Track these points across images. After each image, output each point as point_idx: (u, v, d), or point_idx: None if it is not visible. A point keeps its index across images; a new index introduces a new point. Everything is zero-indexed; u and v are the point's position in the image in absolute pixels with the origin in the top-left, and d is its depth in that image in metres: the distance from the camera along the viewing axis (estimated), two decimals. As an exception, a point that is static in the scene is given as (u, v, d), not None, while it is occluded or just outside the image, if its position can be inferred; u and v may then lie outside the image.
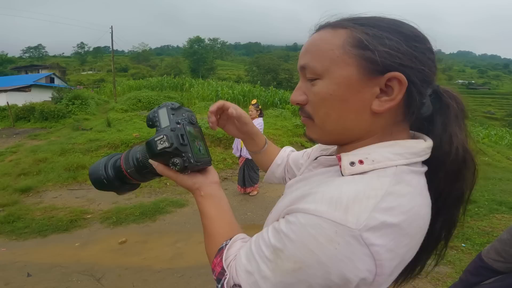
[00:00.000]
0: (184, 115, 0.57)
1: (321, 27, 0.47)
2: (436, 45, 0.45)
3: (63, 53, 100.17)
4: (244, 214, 3.96)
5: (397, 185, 0.40)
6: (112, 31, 20.52)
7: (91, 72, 55.37)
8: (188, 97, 16.79)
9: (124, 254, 2.99)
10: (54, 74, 27.19)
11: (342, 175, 0.43)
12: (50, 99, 14.34)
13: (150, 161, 0.54)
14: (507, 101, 55.28)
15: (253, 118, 4.37)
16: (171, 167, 0.52)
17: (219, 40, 73.98)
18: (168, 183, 5.02)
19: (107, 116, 10.54)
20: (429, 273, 0.54)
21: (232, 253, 0.50)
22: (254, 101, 4.60)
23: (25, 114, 11.56)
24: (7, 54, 57.98)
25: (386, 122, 0.45)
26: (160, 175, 0.56)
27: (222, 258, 0.50)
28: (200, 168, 0.55)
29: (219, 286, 0.47)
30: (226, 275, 0.47)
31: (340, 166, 0.44)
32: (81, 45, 74.82)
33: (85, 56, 71.98)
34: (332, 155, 0.53)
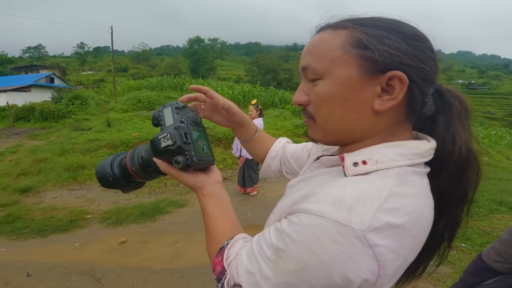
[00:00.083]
0: (188, 114, 0.57)
1: (322, 28, 0.48)
2: (436, 44, 0.45)
3: (63, 53, 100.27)
4: (244, 214, 3.96)
5: (401, 186, 0.39)
6: (112, 31, 20.53)
7: (91, 72, 55.40)
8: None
9: (124, 254, 2.98)
10: (54, 74, 27.20)
11: (345, 176, 0.43)
12: (50, 99, 14.35)
13: (154, 159, 0.55)
14: (507, 101, 55.31)
15: (253, 118, 4.37)
16: (174, 165, 0.52)
17: (219, 40, 74.17)
18: (168, 183, 5.02)
19: (107, 116, 10.54)
20: (432, 273, 0.54)
21: (233, 252, 0.50)
22: (254, 101, 4.60)
23: (25, 114, 11.57)
24: (7, 54, 58.01)
25: (389, 122, 0.45)
26: (164, 174, 0.56)
27: (223, 257, 0.49)
28: (203, 167, 0.56)
29: (219, 285, 0.47)
30: (227, 274, 0.47)
31: (343, 167, 0.43)
32: (81, 45, 74.89)
33: (85, 56, 72.02)
34: (334, 155, 0.53)
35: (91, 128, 9.32)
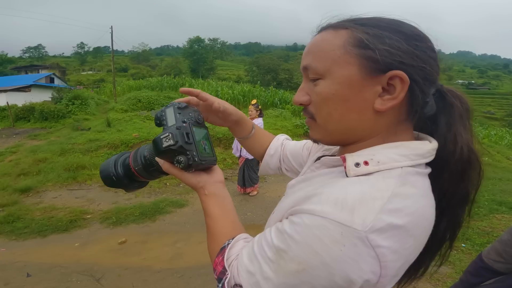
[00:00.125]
0: (190, 114, 0.58)
1: (323, 28, 0.48)
2: (437, 44, 0.45)
3: (63, 53, 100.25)
4: (244, 214, 3.96)
5: (403, 187, 0.39)
6: (112, 31, 20.54)
7: (91, 72, 55.40)
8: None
9: (124, 254, 2.98)
10: (54, 74, 27.21)
11: (347, 176, 0.43)
12: (50, 99, 14.35)
13: (157, 158, 0.55)
14: (507, 101, 55.32)
15: (253, 118, 4.37)
16: (176, 165, 0.52)
17: (219, 40, 74.23)
18: (168, 183, 5.02)
19: (107, 116, 10.54)
20: (433, 274, 0.53)
21: (234, 252, 0.50)
22: (254, 101, 4.60)
23: (25, 114, 11.57)
24: (7, 54, 57.98)
25: (390, 121, 0.45)
26: (167, 173, 0.56)
27: (223, 257, 0.49)
28: (204, 166, 0.56)
29: (220, 285, 0.47)
30: (227, 274, 0.47)
31: (345, 167, 0.43)
32: (81, 45, 74.86)
33: (85, 56, 71.98)
34: (335, 155, 0.53)
35: (90, 128, 9.33)
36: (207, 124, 0.64)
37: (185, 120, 0.54)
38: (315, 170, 0.53)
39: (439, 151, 0.45)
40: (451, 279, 2.43)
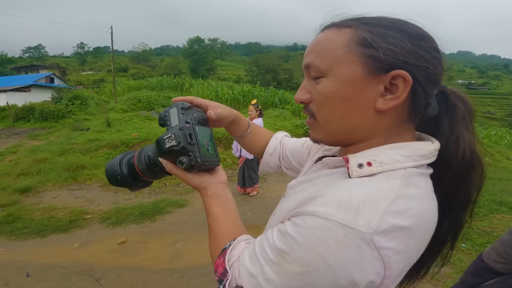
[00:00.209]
0: (194, 115, 0.58)
1: (326, 27, 0.48)
2: (442, 45, 0.44)
3: (63, 53, 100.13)
4: (244, 215, 3.95)
5: (407, 188, 0.39)
6: (112, 31, 20.53)
7: (91, 72, 55.39)
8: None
9: (124, 255, 2.98)
10: (54, 74, 27.18)
11: (350, 177, 0.43)
12: (50, 99, 14.35)
13: (160, 159, 0.55)
14: (507, 101, 55.36)
15: (252, 118, 4.37)
16: (178, 165, 0.52)
17: (219, 40, 74.17)
18: (167, 183, 5.02)
19: (107, 116, 10.55)
20: (434, 275, 0.53)
21: (235, 254, 0.49)
22: (254, 101, 4.59)
23: (25, 114, 11.58)
24: (7, 54, 57.92)
25: (392, 122, 0.44)
26: (170, 174, 0.56)
27: (224, 259, 0.49)
28: (207, 167, 0.56)
29: (221, 287, 0.47)
30: (228, 276, 0.46)
31: (348, 168, 0.43)
32: (81, 45, 74.75)
33: (85, 56, 71.92)
34: (335, 156, 0.52)
35: (89, 128, 9.33)
36: None
37: (189, 120, 0.54)
38: (316, 171, 0.53)
39: (441, 153, 0.44)
40: (451, 279, 2.43)
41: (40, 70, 36.69)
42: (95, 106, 14.06)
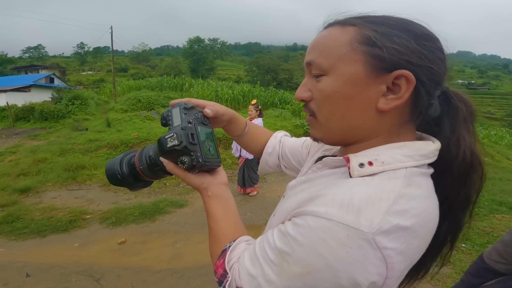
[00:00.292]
0: (196, 115, 0.58)
1: (330, 25, 0.47)
2: (447, 45, 0.44)
3: (63, 53, 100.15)
4: (244, 215, 3.95)
5: (408, 188, 0.39)
6: (112, 31, 20.53)
7: (91, 72, 55.37)
8: (188, 97, 16.76)
9: (123, 255, 2.98)
10: (54, 74, 27.16)
11: (350, 177, 0.42)
12: (49, 99, 14.35)
13: (161, 158, 0.55)
14: (507, 101, 55.36)
15: (252, 118, 4.37)
16: (180, 165, 0.52)
17: (219, 40, 74.17)
18: (167, 184, 5.01)
19: (107, 116, 10.55)
20: (434, 275, 0.53)
21: (235, 255, 0.49)
22: (254, 101, 4.59)
23: (25, 114, 11.57)
24: (7, 54, 57.92)
25: (392, 122, 0.44)
26: (171, 174, 0.56)
27: (224, 260, 0.49)
28: (208, 168, 0.55)
29: None
30: (228, 277, 0.46)
31: (349, 168, 0.43)
32: (81, 45, 74.74)
33: (85, 56, 71.90)
34: (335, 156, 0.52)
35: (87, 129, 9.33)
36: None
37: (191, 120, 0.54)
38: (316, 171, 0.53)
39: (441, 154, 0.44)
40: (451, 279, 2.43)
41: (40, 70, 36.66)
42: (95, 106, 14.06)
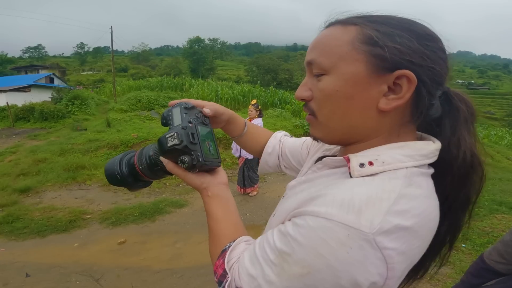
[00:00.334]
0: (197, 115, 0.58)
1: (331, 24, 0.47)
2: (449, 46, 0.44)
3: (63, 53, 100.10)
4: (244, 215, 3.95)
5: (409, 188, 0.39)
6: (112, 31, 20.53)
7: (91, 72, 55.36)
8: (188, 97, 16.78)
9: (123, 255, 2.98)
10: (53, 74, 27.15)
11: (351, 177, 0.42)
12: (49, 99, 14.35)
13: (161, 158, 0.55)
14: (507, 101, 55.35)
15: (252, 118, 4.37)
16: (180, 164, 0.52)
17: (219, 40, 74.15)
18: (167, 184, 5.01)
19: (107, 116, 10.55)
20: (433, 276, 0.53)
21: (235, 255, 0.49)
22: (254, 101, 4.59)
23: (25, 114, 11.57)
24: (7, 54, 57.90)
25: (393, 122, 0.44)
26: (171, 173, 0.56)
27: (224, 260, 0.49)
28: (208, 168, 0.55)
29: None
30: (228, 277, 0.46)
31: (349, 168, 0.43)
32: (81, 45, 74.70)
33: (85, 56, 71.88)
34: (335, 156, 0.52)
35: (86, 129, 9.33)
36: None
37: (191, 120, 0.54)
38: (316, 171, 0.53)
39: (442, 154, 0.44)
40: (451, 280, 2.43)
41: (40, 70, 36.64)
42: (95, 106, 14.06)
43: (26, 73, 34.95)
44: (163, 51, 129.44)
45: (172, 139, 0.50)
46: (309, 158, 0.66)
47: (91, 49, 74.46)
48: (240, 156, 4.48)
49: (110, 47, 21.97)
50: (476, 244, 2.99)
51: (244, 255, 0.46)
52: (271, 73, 41.25)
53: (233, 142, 4.80)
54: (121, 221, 3.68)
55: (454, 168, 0.44)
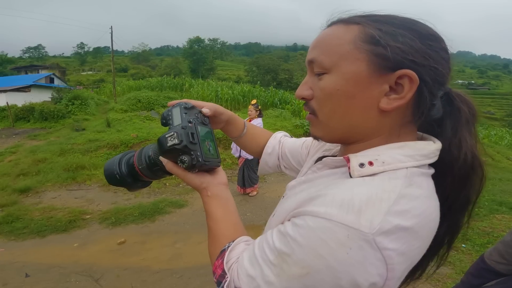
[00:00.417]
0: (197, 115, 0.58)
1: (333, 23, 0.47)
2: (451, 46, 0.43)
3: (63, 53, 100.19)
4: (244, 215, 3.94)
5: (409, 188, 0.39)
6: (112, 31, 20.52)
7: (91, 72, 55.35)
8: (188, 97, 16.78)
9: (123, 255, 2.97)
10: (54, 74, 27.15)
11: (351, 177, 0.42)
12: (49, 99, 14.35)
13: (160, 158, 0.55)
14: (507, 101, 55.36)
15: (252, 118, 4.36)
16: (179, 164, 0.52)
17: (219, 40, 74.15)
18: (167, 184, 5.01)
19: (107, 116, 10.55)
20: (431, 275, 0.53)
21: (234, 255, 0.49)
22: (253, 101, 4.59)
23: (25, 114, 11.57)
24: (7, 54, 57.81)
25: (394, 122, 0.44)
26: (170, 173, 0.56)
27: (223, 260, 0.48)
28: (208, 167, 0.55)
29: None
30: (227, 278, 0.46)
31: (349, 168, 0.42)
32: (81, 45, 74.70)
33: (85, 56, 71.87)
34: (335, 156, 0.52)
35: (84, 129, 9.32)
36: None
37: (191, 120, 0.54)
38: (316, 171, 0.52)
39: (442, 155, 0.44)
40: (451, 280, 2.42)
41: (40, 70, 36.63)
42: (95, 106, 14.05)
43: (26, 73, 34.95)
44: (163, 51, 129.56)
45: (172, 139, 0.50)
46: (309, 158, 0.66)
47: (91, 49, 74.48)
48: (240, 156, 4.48)
49: (110, 47, 21.97)
50: (476, 244, 2.98)
51: (243, 256, 0.46)
52: (271, 73, 41.25)
53: (233, 142, 4.77)
54: (120, 221, 3.68)
55: (454, 169, 0.44)
